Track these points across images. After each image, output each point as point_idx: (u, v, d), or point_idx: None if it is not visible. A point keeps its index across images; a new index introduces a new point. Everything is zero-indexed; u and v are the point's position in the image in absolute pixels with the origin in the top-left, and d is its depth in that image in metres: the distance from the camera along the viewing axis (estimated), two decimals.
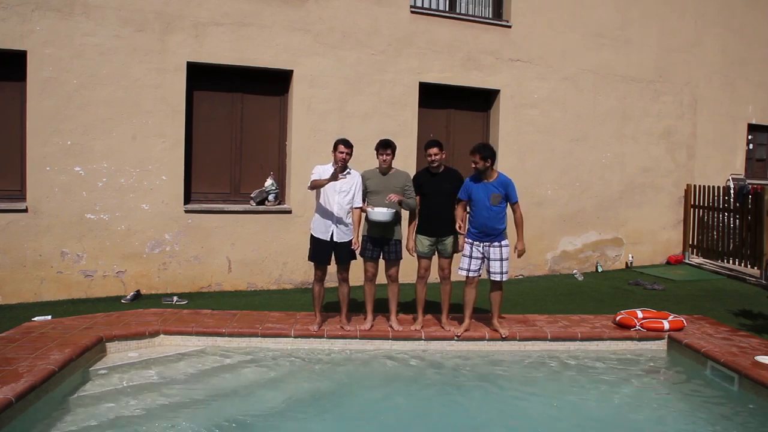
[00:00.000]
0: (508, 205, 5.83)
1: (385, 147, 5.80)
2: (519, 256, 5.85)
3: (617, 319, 6.32)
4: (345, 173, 5.73)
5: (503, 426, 4.69)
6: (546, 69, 9.62)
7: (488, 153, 5.76)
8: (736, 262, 10.05)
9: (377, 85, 8.53)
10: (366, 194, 5.84)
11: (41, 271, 7.09)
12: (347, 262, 5.90)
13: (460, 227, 5.79)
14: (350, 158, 5.78)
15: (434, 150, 5.85)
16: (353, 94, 8.41)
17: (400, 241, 5.94)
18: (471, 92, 9.34)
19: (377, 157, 5.85)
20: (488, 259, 5.82)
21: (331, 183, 5.65)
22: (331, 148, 5.84)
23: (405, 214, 6.11)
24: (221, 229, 7.87)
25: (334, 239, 5.77)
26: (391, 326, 5.93)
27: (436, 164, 5.89)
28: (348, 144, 5.76)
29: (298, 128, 8.19)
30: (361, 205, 5.82)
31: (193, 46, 7.59)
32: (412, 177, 6.04)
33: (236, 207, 7.98)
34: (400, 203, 5.81)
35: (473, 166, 5.76)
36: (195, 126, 7.95)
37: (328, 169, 5.73)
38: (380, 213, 5.66)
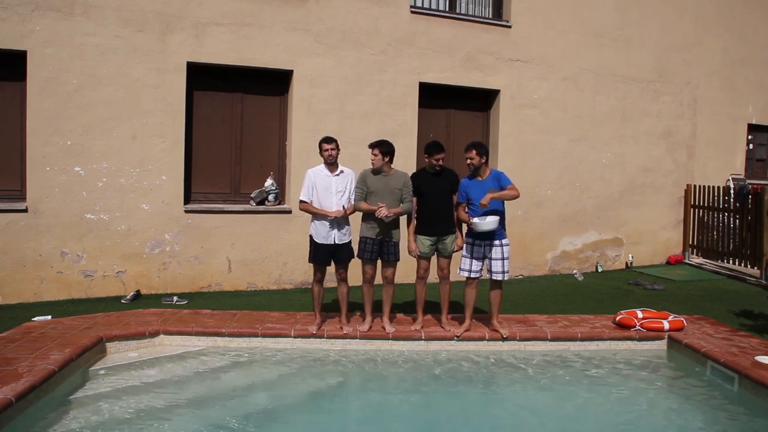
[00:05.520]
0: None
1: (372, 147, 5.80)
2: (485, 201, 5.56)
3: (617, 319, 6.32)
4: (338, 172, 5.81)
5: (503, 426, 4.69)
6: (546, 69, 9.62)
7: (483, 149, 5.79)
8: (736, 262, 10.05)
9: (377, 85, 8.53)
10: (367, 194, 5.83)
11: (41, 271, 7.09)
12: (346, 262, 5.92)
13: (469, 221, 5.75)
14: (337, 152, 5.82)
15: (442, 155, 5.87)
16: (353, 94, 8.41)
17: (398, 243, 5.93)
18: (471, 92, 9.34)
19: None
20: (489, 259, 5.82)
21: (325, 185, 5.76)
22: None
23: (403, 216, 6.10)
24: (221, 229, 7.87)
25: (336, 241, 5.79)
26: (383, 328, 5.92)
27: (438, 168, 5.91)
28: (330, 140, 5.80)
29: (298, 128, 8.19)
30: (353, 202, 5.86)
31: (193, 46, 7.59)
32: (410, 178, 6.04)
33: (236, 207, 7.98)
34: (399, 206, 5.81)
35: (469, 162, 5.73)
36: (195, 126, 7.94)
37: (319, 172, 5.80)
38: (486, 223, 5.55)
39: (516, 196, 5.71)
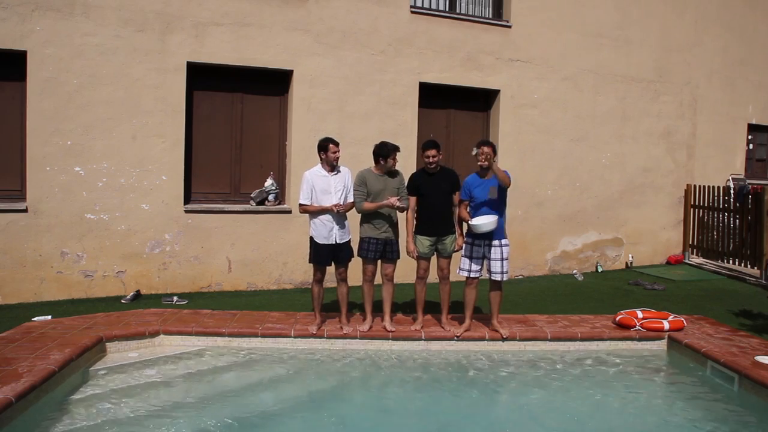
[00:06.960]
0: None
1: (395, 151, 5.82)
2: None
3: (617, 319, 6.32)
4: (335, 171, 5.83)
5: (503, 425, 4.69)
6: (546, 69, 9.62)
7: (495, 148, 5.79)
8: (736, 262, 10.05)
9: (377, 85, 8.53)
10: (368, 195, 5.82)
11: (41, 271, 7.09)
12: (347, 261, 5.93)
13: (467, 220, 5.77)
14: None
15: (432, 152, 5.84)
16: (353, 94, 8.41)
17: (398, 241, 5.94)
18: (471, 92, 9.34)
19: (384, 162, 5.80)
20: (489, 259, 5.82)
21: (323, 185, 5.77)
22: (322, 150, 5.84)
23: (402, 216, 6.10)
24: (221, 229, 7.87)
25: (337, 241, 5.80)
26: (384, 327, 5.92)
27: (433, 165, 5.89)
28: (337, 142, 5.84)
29: (298, 128, 8.19)
30: (353, 200, 5.86)
31: (193, 46, 7.59)
32: (408, 177, 6.03)
33: (236, 207, 7.98)
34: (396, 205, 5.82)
35: (484, 159, 5.58)
36: (195, 126, 7.95)
37: (316, 174, 5.80)
38: (484, 225, 5.55)
39: (507, 181, 5.64)
